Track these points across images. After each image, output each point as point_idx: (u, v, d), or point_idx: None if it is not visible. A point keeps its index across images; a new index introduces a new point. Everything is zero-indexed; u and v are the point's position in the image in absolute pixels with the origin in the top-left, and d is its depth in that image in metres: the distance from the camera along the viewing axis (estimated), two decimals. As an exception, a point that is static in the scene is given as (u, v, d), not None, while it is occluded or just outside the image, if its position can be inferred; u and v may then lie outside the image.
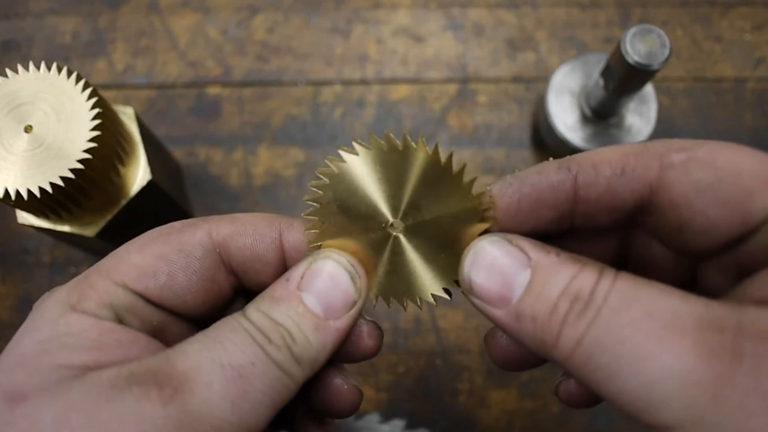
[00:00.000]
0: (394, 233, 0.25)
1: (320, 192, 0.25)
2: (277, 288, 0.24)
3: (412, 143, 0.24)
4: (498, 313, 0.22)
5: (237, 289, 0.27)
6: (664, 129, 0.53)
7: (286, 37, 0.57)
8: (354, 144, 0.24)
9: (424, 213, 0.25)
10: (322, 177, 0.25)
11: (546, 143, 0.53)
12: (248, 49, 0.57)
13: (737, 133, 0.55)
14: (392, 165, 0.24)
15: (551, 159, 0.24)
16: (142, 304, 0.24)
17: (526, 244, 0.22)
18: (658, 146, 0.23)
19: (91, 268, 0.24)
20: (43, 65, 0.38)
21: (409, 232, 0.25)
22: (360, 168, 0.24)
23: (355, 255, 0.25)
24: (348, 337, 0.25)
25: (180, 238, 0.25)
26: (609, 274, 0.21)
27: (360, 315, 0.25)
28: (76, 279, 0.24)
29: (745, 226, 0.21)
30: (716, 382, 0.18)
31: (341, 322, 0.24)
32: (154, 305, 0.25)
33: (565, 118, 0.51)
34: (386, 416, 0.47)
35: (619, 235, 0.27)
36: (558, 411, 0.48)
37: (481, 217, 0.24)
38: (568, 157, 0.24)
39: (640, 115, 0.51)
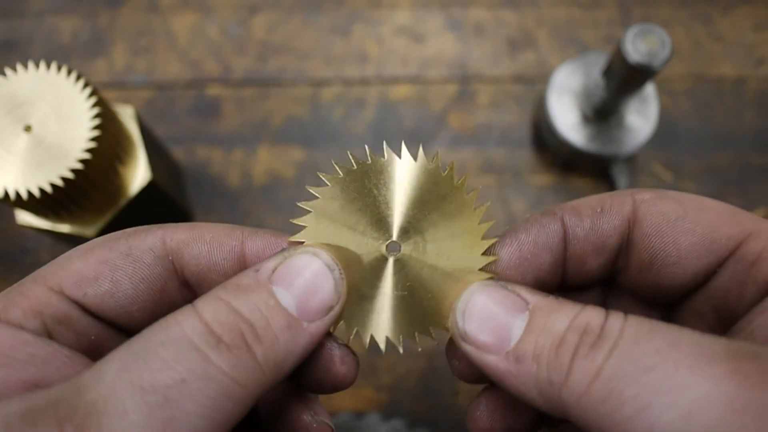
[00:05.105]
0: (391, 257, 0.23)
1: (310, 210, 0.23)
2: (244, 277, 0.20)
3: (404, 156, 0.23)
4: (493, 359, 0.20)
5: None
6: (665, 129, 0.53)
7: (286, 37, 0.57)
8: (350, 157, 0.23)
9: (426, 235, 0.23)
10: (313, 193, 0.23)
11: (547, 143, 0.53)
12: (248, 49, 0.57)
13: (738, 132, 0.55)
14: (384, 180, 0.23)
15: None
16: (79, 314, 0.21)
17: (522, 289, 0.21)
18: (631, 190, 0.24)
19: (29, 275, 0.22)
20: (42, 65, 0.38)
21: (404, 259, 0.23)
22: (354, 183, 0.23)
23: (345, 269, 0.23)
24: (316, 355, 0.22)
25: (129, 242, 0.22)
26: (617, 313, 0.19)
27: (336, 323, 0.22)
28: (12, 286, 0.21)
29: (713, 254, 0.22)
30: (764, 408, 0.16)
31: (315, 327, 0.20)
32: (94, 316, 0.22)
33: (566, 117, 0.51)
34: (386, 416, 0.47)
35: (601, 297, 0.27)
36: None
37: (482, 268, 0.23)
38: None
39: (641, 115, 0.50)
